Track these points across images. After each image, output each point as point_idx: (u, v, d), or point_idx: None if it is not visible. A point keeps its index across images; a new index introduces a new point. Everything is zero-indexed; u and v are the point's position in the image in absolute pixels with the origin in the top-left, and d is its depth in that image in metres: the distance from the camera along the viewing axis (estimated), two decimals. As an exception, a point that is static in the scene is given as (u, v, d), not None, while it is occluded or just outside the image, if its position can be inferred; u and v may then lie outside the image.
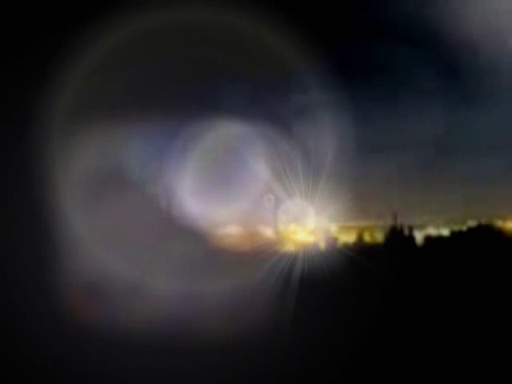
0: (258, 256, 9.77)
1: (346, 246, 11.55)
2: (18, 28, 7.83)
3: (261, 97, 9.80)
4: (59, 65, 8.00)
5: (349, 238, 11.63)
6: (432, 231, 11.67)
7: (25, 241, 7.69)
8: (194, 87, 9.73)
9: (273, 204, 10.47)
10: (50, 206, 7.78)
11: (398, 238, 11.66)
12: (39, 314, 7.25)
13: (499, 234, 11.19)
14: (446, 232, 11.55)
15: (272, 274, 9.26)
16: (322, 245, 11.24)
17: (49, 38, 7.95)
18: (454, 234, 11.52)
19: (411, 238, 11.72)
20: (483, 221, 11.35)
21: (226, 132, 9.86)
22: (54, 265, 7.71)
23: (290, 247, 10.67)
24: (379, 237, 11.68)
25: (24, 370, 6.44)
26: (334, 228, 11.42)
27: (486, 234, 11.26)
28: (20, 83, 7.74)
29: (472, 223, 11.39)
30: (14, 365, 6.54)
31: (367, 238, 11.69)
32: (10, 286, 7.57)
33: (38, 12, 7.86)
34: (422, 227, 11.72)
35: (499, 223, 11.29)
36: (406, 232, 11.73)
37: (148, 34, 8.72)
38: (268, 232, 10.83)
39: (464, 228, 11.45)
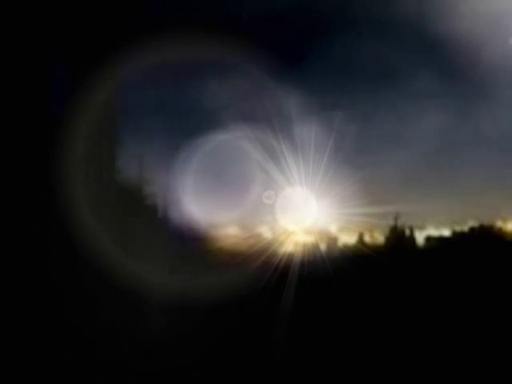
0: (255, 256, 9.75)
1: (347, 247, 11.53)
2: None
3: (257, 98, 9.84)
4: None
5: (349, 238, 11.61)
6: (433, 231, 11.64)
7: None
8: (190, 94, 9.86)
9: (273, 201, 10.46)
10: (61, 209, 7.83)
11: (398, 238, 11.62)
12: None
13: (500, 234, 11.16)
14: (446, 232, 11.52)
15: (268, 274, 9.24)
16: (323, 245, 11.22)
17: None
18: (455, 234, 11.49)
19: (412, 239, 11.68)
20: (484, 222, 11.33)
21: (224, 134, 9.89)
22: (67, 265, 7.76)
23: (289, 247, 10.65)
24: (380, 237, 11.65)
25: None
26: (334, 228, 11.41)
27: (487, 234, 11.23)
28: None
29: (473, 224, 11.36)
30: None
31: (368, 238, 11.66)
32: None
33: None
34: (422, 227, 11.69)
35: (500, 224, 11.26)
36: (407, 232, 11.69)
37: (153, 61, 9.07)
38: (267, 232, 10.81)
39: (465, 229, 11.42)
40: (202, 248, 9.59)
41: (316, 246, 11.05)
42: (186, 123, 10.01)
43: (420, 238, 11.68)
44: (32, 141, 7.42)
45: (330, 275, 9.64)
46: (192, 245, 9.41)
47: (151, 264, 8.14)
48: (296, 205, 10.68)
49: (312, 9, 10.55)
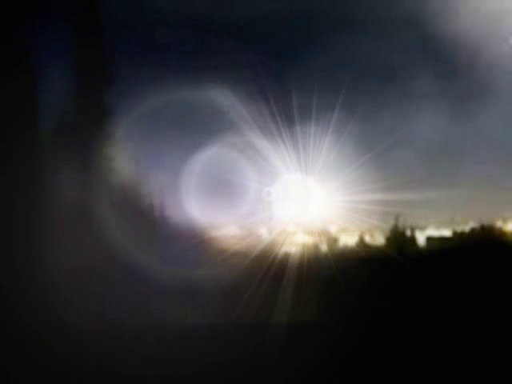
0: (252, 257, 9.74)
1: (347, 248, 11.51)
2: None
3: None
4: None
5: (350, 239, 11.58)
6: (433, 232, 11.60)
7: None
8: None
9: (272, 198, 10.45)
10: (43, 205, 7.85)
11: (399, 238, 11.59)
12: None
13: (501, 235, 11.13)
14: (447, 233, 11.49)
15: (264, 275, 9.24)
16: (323, 246, 11.19)
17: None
18: (456, 234, 11.46)
19: (413, 239, 11.65)
20: (485, 222, 11.29)
21: (222, 132, 9.91)
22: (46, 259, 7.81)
23: (289, 248, 10.63)
24: (380, 238, 11.62)
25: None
26: (334, 229, 11.39)
27: (488, 235, 11.19)
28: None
29: (474, 224, 11.33)
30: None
31: (368, 239, 11.63)
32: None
33: None
34: (423, 228, 11.66)
35: (500, 224, 11.23)
36: (408, 233, 11.66)
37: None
38: (266, 232, 10.79)
39: (466, 229, 11.38)
40: (198, 248, 9.60)
41: (316, 247, 11.04)
42: (184, 122, 10.03)
43: (421, 238, 11.65)
44: (22, 140, 7.44)
45: (332, 276, 9.63)
46: (188, 244, 9.42)
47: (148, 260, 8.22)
48: (297, 194, 10.67)
49: (311, 8, 10.57)
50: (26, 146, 7.32)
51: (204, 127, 9.98)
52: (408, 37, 10.43)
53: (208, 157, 10.01)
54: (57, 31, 7.72)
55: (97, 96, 8.09)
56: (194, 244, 9.43)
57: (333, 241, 11.41)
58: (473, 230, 11.31)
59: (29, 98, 7.45)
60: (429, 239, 11.61)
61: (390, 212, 10.90)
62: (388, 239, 11.57)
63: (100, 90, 8.17)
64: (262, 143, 10.07)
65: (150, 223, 9.41)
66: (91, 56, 8.19)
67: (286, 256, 10.24)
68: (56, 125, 7.83)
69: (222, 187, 10.14)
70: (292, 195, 10.70)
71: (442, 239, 11.49)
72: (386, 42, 10.33)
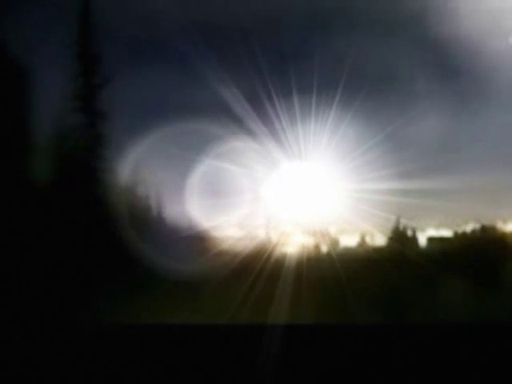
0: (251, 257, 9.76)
1: (348, 249, 11.50)
2: None
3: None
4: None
5: (350, 240, 11.57)
6: (433, 232, 11.59)
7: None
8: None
9: (271, 196, 10.46)
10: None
11: (401, 239, 11.57)
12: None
13: (501, 235, 11.10)
14: (448, 233, 11.47)
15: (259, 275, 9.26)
16: (323, 247, 11.19)
17: None
18: (457, 235, 11.44)
19: (414, 239, 11.63)
20: (485, 222, 11.27)
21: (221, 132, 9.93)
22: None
23: (288, 249, 10.64)
24: (382, 239, 11.61)
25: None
26: (334, 229, 11.40)
27: (489, 235, 11.17)
28: None
29: (474, 224, 11.32)
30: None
31: (369, 239, 11.62)
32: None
33: None
34: (424, 228, 11.65)
35: (500, 225, 11.21)
36: (409, 233, 11.64)
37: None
38: (264, 233, 10.80)
39: (466, 230, 11.37)
40: (195, 247, 9.63)
41: (316, 247, 11.04)
42: (183, 122, 10.05)
43: (421, 239, 11.64)
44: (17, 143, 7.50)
45: (333, 278, 9.64)
46: (185, 244, 9.46)
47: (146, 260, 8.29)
48: (296, 186, 10.68)
49: (312, 8, 10.59)
50: (21, 149, 7.38)
51: (204, 126, 10.00)
52: (408, 36, 10.44)
53: (206, 155, 10.06)
54: (51, 33, 7.75)
55: (94, 97, 8.13)
56: (190, 243, 9.47)
57: (333, 241, 11.40)
58: (473, 231, 11.29)
59: (21, 100, 7.50)
60: (430, 239, 11.59)
61: (391, 204, 10.89)
62: (389, 239, 11.56)
63: (97, 91, 8.21)
64: (261, 139, 10.11)
65: (147, 223, 9.46)
66: (87, 56, 8.23)
67: (284, 256, 10.25)
68: (52, 127, 7.88)
69: (220, 186, 10.19)
70: (292, 187, 10.71)
71: (443, 240, 11.46)
72: (384, 42, 10.34)
